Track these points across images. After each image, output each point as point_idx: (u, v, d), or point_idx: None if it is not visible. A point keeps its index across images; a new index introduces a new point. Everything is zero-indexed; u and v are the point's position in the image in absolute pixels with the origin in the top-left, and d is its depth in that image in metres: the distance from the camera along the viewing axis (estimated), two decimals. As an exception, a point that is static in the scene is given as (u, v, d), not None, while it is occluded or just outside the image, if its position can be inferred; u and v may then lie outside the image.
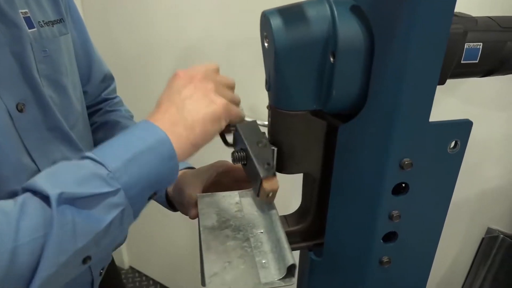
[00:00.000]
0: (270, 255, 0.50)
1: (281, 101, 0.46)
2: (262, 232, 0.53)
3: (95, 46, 0.82)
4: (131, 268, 2.26)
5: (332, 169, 0.50)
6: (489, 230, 0.95)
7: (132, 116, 0.89)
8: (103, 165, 0.42)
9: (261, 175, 0.49)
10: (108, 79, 0.86)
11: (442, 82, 0.47)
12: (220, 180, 0.69)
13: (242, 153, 0.52)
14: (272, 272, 0.47)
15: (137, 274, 2.23)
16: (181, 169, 0.72)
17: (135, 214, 0.46)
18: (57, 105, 0.63)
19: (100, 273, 0.76)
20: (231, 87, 0.52)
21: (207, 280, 0.46)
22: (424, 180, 0.48)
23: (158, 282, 2.18)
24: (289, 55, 0.43)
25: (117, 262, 2.34)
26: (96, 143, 0.81)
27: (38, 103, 0.59)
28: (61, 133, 0.64)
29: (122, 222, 0.44)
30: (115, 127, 0.82)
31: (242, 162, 0.52)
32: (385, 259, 0.53)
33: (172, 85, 0.49)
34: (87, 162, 0.43)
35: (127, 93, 1.01)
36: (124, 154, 0.43)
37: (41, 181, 0.41)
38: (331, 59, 0.43)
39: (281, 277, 0.46)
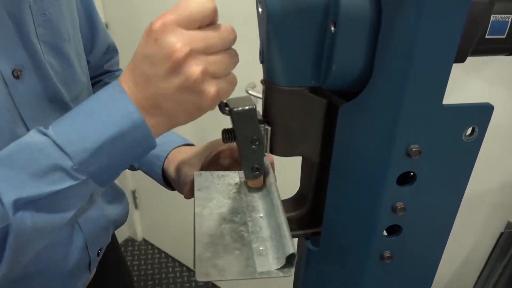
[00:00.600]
0: (268, 242, 0.45)
1: (275, 75, 0.41)
2: (261, 217, 0.49)
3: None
4: (144, 240, 2.29)
5: (332, 153, 0.45)
6: (509, 224, 0.89)
7: None
8: (66, 154, 0.37)
9: (246, 178, 0.49)
10: (111, 50, 0.83)
11: (461, 59, 0.41)
12: (219, 159, 0.65)
13: (232, 134, 0.47)
14: (269, 261, 0.43)
15: (149, 247, 2.25)
16: (178, 146, 0.69)
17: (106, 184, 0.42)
18: (58, 74, 0.60)
19: (98, 254, 0.75)
20: (227, 51, 0.40)
21: (197, 264, 0.43)
22: (433, 171, 0.42)
23: (170, 256, 2.20)
24: (283, 22, 0.37)
25: (130, 234, 2.37)
26: None
27: (36, 71, 0.56)
28: (61, 105, 0.61)
29: (91, 201, 0.41)
30: None
31: (232, 142, 0.47)
32: (386, 253, 0.49)
33: (148, 54, 0.37)
34: (46, 144, 0.38)
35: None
36: (92, 142, 0.38)
37: None
38: (332, 29, 0.37)
39: (279, 267, 0.42)
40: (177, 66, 0.36)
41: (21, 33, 0.53)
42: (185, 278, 2.06)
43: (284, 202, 0.54)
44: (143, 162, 0.71)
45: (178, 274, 2.09)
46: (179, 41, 0.36)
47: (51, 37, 0.58)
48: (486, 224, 0.90)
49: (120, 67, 0.86)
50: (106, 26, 1.41)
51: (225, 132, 0.48)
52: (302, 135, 0.45)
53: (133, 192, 2.09)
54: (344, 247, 0.51)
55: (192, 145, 0.71)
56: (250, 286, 1.60)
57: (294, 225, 0.54)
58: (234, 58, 0.40)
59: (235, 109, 0.44)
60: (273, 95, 0.43)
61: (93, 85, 0.80)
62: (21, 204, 0.37)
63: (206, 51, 0.37)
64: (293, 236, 0.54)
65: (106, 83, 0.81)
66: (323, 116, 0.44)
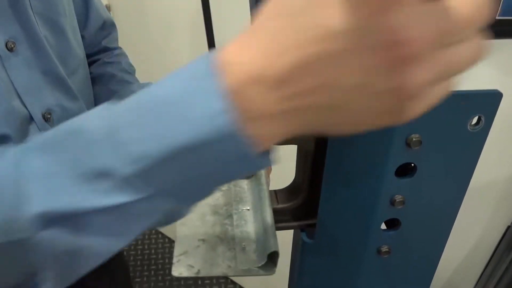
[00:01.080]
0: (252, 238, 0.43)
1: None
2: (248, 209, 0.47)
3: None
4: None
5: (327, 141, 0.42)
6: (517, 218, 0.85)
7: (134, 71, 0.83)
8: (122, 157, 0.26)
9: None
10: (108, 26, 0.80)
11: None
12: None
13: None
14: (251, 258, 0.41)
15: (153, 232, 2.25)
16: None
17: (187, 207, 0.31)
18: (53, 48, 0.58)
19: None
20: (469, 38, 0.23)
21: (174, 259, 0.40)
22: (435, 162, 0.40)
23: (173, 241, 2.19)
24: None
25: None
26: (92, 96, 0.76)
27: (30, 43, 0.54)
28: (56, 78, 0.59)
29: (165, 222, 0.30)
30: (110, 81, 0.76)
31: None
32: (384, 248, 0.46)
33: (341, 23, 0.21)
34: (101, 135, 0.27)
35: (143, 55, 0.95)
36: (159, 146, 0.25)
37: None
38: None
39: (260, 265, 0.40)
40: (392, 64, 0.21)
41: (15, 5, 0.52)
42: (188, 264, 2.06)
43: (278, 193, 0.52)
44: None
45: (181, 260, 2.08)
46: (406, 26, 0.21)
47: (46, 10, 0.57)
48: (492, 217, 0.87)
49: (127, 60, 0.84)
50: (108, 8, 1.38)
51: None
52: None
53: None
54: (340, 240, 0.48)
55: None
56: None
57: (289, 216, 0.52)
58: (476, 52, 0.23)
59: None
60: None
61: (90, 64, 0.77)
62: (50, 218, 0.27)
63: (440, 43, 0.22)
64: (288, 228, 0.52)
65: (105, 63, 0.78)
66: (318, 102, 0.41)
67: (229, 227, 0.45)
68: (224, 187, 0.50)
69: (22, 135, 0.54)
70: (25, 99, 0.54)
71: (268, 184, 0.47)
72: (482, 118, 0.37)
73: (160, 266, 2.07)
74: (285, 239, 0.49)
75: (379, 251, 0.46)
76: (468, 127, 0.38)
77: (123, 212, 0.27)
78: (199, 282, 1.92)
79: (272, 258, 0.40)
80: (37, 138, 0.30)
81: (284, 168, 0.71)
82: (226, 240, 0.42)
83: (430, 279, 0.49)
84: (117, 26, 0.83)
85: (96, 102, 0.76)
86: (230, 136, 0.24)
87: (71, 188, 0.27)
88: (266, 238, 0.40)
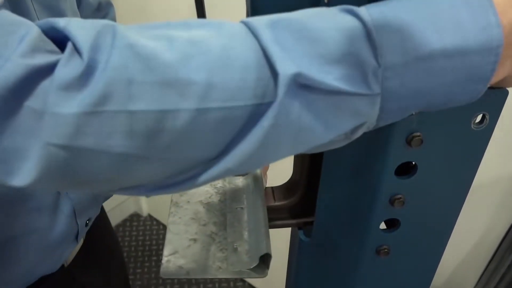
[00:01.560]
0: (245, 238, 0.42)
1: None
2: (242, 208, 0.46)
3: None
4: (150, 216, 2.28)
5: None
6: (521, 215, 0.84)
7: None
8: (376, 49, 0.26)
9: None
10: (104, 6, 0.78)
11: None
12: None
13: None
14: (243, 259, 0.39)
15: (155, 222, 2.25)
16: None
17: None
18: None
19: (86, 224, 0.72)
20: None
21: (164, 259, 0.39)
22: (437, 161, 0.38)
23: (175, 232, 2.19)
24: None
25: (136, 210, 2.36)
26: None
27: None
28: None
29: (350, 137, 0.30)
30: None
31: None
32: (383, 248, 0.45)
33: None
34: (351, 23, 0.26)
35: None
36: (408, 47, 0.26)
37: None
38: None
39: (251, 267, 0.38)
40: None
41: None
42: (189, 255, 2.06)
43: (275, 190, 0.50)
44: None
45: (182, 251, 2.08)
46: None
47: None
48: (495, 214, 0.86)
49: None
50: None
51: None
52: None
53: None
54: (337, 240, 0.47)
55: None
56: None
57: (286, 214, 0.50)
58: None
59: None
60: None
61: None
62: (298, 85, 0.26)
63: None
64: (285, 226, 0.51)
65: None
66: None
67: (221, 226, 0.43)
68: (219, 184, 0.48)
69: None
70: None
71: (264, 182, 0.46)
72: (487, 117, 0.36)
73: (161, 257, 2.07)
74: (283, 237, 0.48)
75: (378, 251, 0.45)
76: (472, 125, 0.36)
77: (348, 101, 0.27)
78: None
79: (264, 260, 0.38)
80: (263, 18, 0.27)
81: (282, 165, 0.69)
82: (218, 240, 0.40)
83: (430, 280, 0.47)
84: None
85: None
86: (489, 51, 0.26)
87: (319, 64, 0.26)
88: (259, 239, 0.39)
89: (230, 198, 0.46)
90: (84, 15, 0.73)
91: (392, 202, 0.41)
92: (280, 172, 0.59)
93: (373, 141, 0.38)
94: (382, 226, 0.45)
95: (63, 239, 0.66)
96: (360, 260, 0.46)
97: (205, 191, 0.47)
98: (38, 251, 0.63)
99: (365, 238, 0.45)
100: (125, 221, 2.26)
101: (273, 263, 0.38)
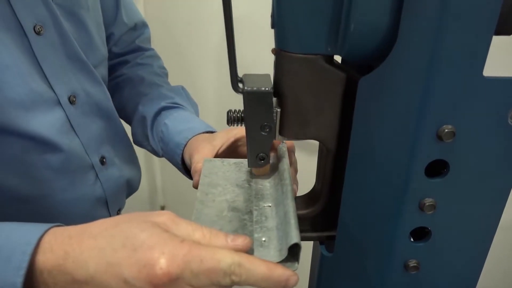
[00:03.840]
0: (273, 233, 0.40)
1: (286, 40, 0.36)
2: (269, 206, 0.44)
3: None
4: (162, 208, 2.23)
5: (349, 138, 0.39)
6: None
7: (165, 74, 0.84)
8: None
9: (249, 165, 0.44)
10: (140, 27, 0.82)
11: (508, 31, 0.34)
12: (238, 147, 0.61)
13: (239, 114, 0.43)
14: (271, 253, 0.38)
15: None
16: (199, 133, 0.65)
17: None
18: (76, 39, 0.60)
19: (118, 213, 0.74)
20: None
21: None
22: (471, 158, 0.35)
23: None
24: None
25: (150, 201, 2.26)
26: (122, 100, 0.78)
27: (56, 28, 0.57)
28: (80, 63, 0.61)
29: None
30: (140, 84, 0.78)
31: (238, 125, 0.43)
32: (411, 263, 0.41)
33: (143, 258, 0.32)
34: None
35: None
36: None
37: None
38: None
39: (280, 260, 0.36)
40: None
41: None
42: None
43: (297, 199, 0.48)
44: (166, 150, 0.69)
45: None
46: None
47: (67, 2, 0.59)
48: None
49: (158, 59, 0.86)
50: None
51: (232, 113, 0.43)
52: (315, 113, 0.39)
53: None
54: (361, 254, 0.44)
55: (214, 131, 0.67)
56: None
57: (307, 225, 0.47)
58: None
59: (248, 89, 0.39)
60: (284, 64, 0.37)
61: (122, 64, 0.80)
62: None
63: None
64: (306, 239, 0.48)
65: (137, 64, 0.80)
66: (341, 92, 0.38)
67: (248, 223, 0.41)
68: (246, 184, 0.47)
69: (49, 118, 0.56)
70: (52, 82, 0.57)
71: (292, 182, 0.45)
72: (525, 110, 0.33)
73: None
74: (304, 252, 0.45)
75: (406, 266, 0.41)
76: (509, 119, 0.34)
77: None
78: None
79: (293, 253, 0.36)
80: None
81: (304, 177, 0.67)
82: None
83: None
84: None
85: (126, 104, 0.77)
86: None
87: None
88: (288, 231, 0.37)
89: (257, 197, 0.45)
90: (118, 33, 0.77)
91: (421, 207, 0.38)
92: (304, 184, 0.57)
93: (401, 138, 0.36)
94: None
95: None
96: (387, 276, 0.42)
97: (232, 191, 0.46)
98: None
99: (392, 252, 0.41)
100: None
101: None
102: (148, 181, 1.72)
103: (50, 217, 0.59)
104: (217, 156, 0.57)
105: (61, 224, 0.38)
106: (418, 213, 0.38)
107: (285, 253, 0.36)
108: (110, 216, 0.71)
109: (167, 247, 0.32)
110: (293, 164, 0.57)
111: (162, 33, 1.44)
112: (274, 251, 0.37)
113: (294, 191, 0.54)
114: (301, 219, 0.47)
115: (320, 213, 0.47)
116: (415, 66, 0.33)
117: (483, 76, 0.32)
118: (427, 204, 0.37)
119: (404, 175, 0.37)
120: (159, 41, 1.36)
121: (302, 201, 0.48)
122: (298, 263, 0.36)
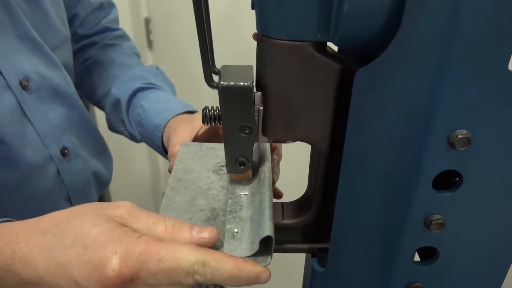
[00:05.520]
0: (247, 224, 0.37)
1: (270, 24, 0.30)
2: (246, 194, 0.40)
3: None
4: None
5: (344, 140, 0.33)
6: None
7: (137, 54, 0.79)
8: None
9: (228, 171, 0.39)
10: (107, 6, 0.77)
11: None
12: (219, 130, 0.57)
13: (216, 112, 0.37)
14: (242, 245, 0.34)
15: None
16: (179, 114, 0.61)
17: None
18: (28, 17, 0.56)
19: None
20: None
21: None
22: (489, 170, 0.29)
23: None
24: None
25: (152, 188, 2.20)
26: (92, 84, 0.73)
27: (3, 5, 0.52)
28: (34, 44, 0.56)
29: None
30: (111, 66, 0.73)
31: (214, 124, 0.37)
32: (416, 286, 0.36)
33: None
34: None
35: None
36: None
37: None
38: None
39: (252, 253, 0.33)
40: None
41: None
42: None
43: (286, 206, 0.43)
44: (144, 133, 0.65)
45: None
46: None
47: None
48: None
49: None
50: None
51: (208, 110, 0.37)
52: (304, 111, 0.33)
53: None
54: (357, 272, 0.38)
55: (195, 111, 0.62)
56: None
57: (297, 236, 0.42)
58: None
59: (224, 83, 0.33)
60: (266, 53, 0.31)
61: (90, 45, 0.76)
62: None
63: None
64: (297, 251, 0.43)
65: (105, 45, 0.75)
66: (334, 86, 0.32)
67: (220, 212, 0.39)
68: (222, 171, 0.44)
69: None
70: (1, 63, 0.52)
71: (276, 176, 0.41)
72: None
73: None
74: (295, 264, 0.41)
75: (408, 289, 0.36)
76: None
77: None
78: None
79: (266, 247, 0.33)
80: None
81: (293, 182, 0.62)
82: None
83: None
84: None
85: (97, 88, 0.72)
86: None
87: None
88: (261, 223, 0.34)
89: (233, 185, 0.41)
90: (83, 13, 0.73)
91: (428, 224, 0.32)
92: (293, 189, 0.51)
93: (405, 143, 0.30)
94: (416, 258, 0.36)
95: None
96: (386, 299, 0.37)
97: (207, 177, 0.43)
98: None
99: (394, 272, 0.36)
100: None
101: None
102: (151, 168, 1.68)
103: (3, 217, 0.55)
104: (196, 138, 0.54)
105: (10, 219, 0.35)
106: (424, 232, 0.32)
107: (257, 246, 0.33)
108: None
109: (121, 246, 0.29)
110: (276, 148, 0.52)
111: (165, 31, 1.39)
112: (246, 243, 0.34)
113: (273, 181, 0.49)
114: (290, 229, 0.42)
115: (312, 223, 0.41)
116: (423, 55, 0.27)
117: (509, 70, 0.26)
118: (435, 221, 0.32)
119: (408, 187, 0.31)
120: (162, 40, 1.32)
121: (292, 209, 0.42)
122: (271, 257, 0.33)
